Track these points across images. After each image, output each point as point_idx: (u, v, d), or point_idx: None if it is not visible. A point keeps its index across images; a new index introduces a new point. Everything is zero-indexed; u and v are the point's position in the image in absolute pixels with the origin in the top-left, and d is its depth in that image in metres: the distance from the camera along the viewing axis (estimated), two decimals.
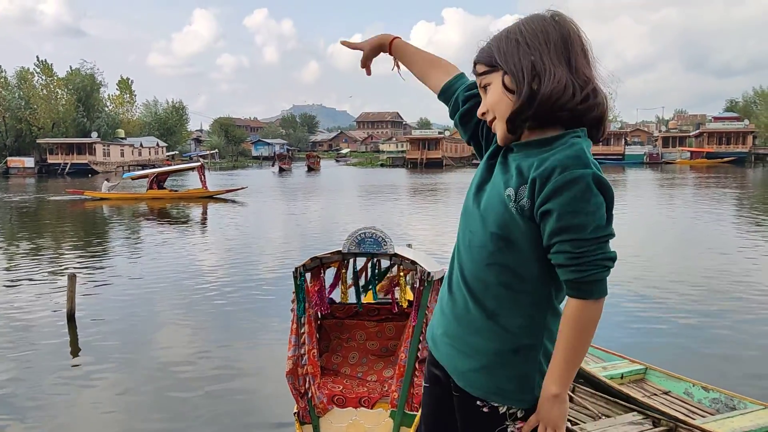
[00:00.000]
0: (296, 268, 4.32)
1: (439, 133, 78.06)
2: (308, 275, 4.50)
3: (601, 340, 6.45)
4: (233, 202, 27.83)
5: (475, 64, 1.58)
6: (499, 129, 1.53)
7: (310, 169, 59.74)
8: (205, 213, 24.49)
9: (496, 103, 1.51)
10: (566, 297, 1.46)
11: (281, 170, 58.11)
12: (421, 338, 4.11)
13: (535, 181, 1.42)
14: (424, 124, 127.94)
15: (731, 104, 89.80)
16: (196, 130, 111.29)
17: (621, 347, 6.48)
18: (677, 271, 11.44)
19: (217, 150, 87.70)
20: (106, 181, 31.46)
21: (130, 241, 16.91)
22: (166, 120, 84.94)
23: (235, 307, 9.16)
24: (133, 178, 32.23)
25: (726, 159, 63.88)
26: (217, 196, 29.61)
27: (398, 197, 30.88)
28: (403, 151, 78.87)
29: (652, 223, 19.31)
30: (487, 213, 1.52)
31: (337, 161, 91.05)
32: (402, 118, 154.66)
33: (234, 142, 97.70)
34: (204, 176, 29.64)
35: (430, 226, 18.97)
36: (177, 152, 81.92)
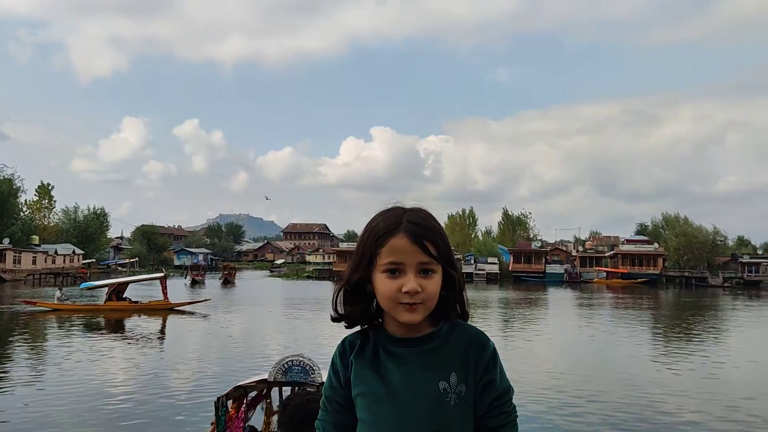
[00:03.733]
0: (218, 398, 4.05)
1: None
2: (229, 403, 4.22)
3: None
4: (196, 314, 27.11)
5: (423, 240, 1.55)
6: (421, 313, 1.55)
7: (226, 282, 57.68)
8: (163, 326, 23.67)
9: (434, 290, 1.55)
10: None
11: (194, 282, 56.02)
12: None
13: (467, 361, 1.55)
14: (351, 237, 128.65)
15: (641, 227, 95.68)
16: (117, 237, 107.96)
17: None
18: (594, 392, 11.54)
19: (137, 258, 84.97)
20: (58, 291, 30.03)
21: (52, 356, 15.72)
22: (86, 227, 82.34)
23: None
24: (89, 289, 30.92)
25: (639, 280, 67.03)
26: (179, 308, 28.62)
27: (324, 313, 30.35)
28: (330, 263, 78.81)
29: (574, 343, 19.63)
30: (419, 413, 1.53)
31: (272, 271, 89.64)
32: (329, 230, 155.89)
33: (156, 250, 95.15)
34: (166, 287, 28.81)
35: None
36: (94, 260, 78.89)
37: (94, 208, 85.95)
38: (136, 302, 28.69)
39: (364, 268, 1.60)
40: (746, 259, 75.91)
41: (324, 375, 4.34)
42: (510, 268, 73.88)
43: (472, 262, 75.45)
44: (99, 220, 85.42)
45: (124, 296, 28.63)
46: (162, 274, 32.64)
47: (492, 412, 1.55)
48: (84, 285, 33.34)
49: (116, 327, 22.79)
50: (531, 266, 72.42)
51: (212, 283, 57.58)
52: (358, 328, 1.67)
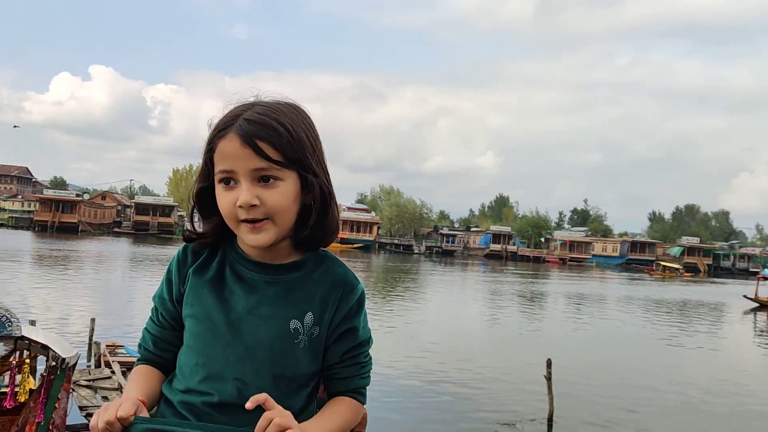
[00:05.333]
0: None
1: (77, 195, 71.34)
2: None
3: None
4: None
5: (256, 141, 1.23)
6: (270, 234, 1.27)
7: None
8: None
9: (278, 202, 1.25)
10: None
11: None
12: None
13: (328, 301, 1.33)
14: (59, 184, 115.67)
15: (362, 197, 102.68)
16: None
17: None
18: None
19: None
20: None
21: None
22: None
23: None
24: None
25: (356, 245, 72.10)
26: None
27: (20, 264, 26.99)
28: (30, 212, 69.87)
29: None
30: (259, 350, 1.29)
31: None
32: (32, 175, 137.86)
33: None
34: None
35: (57, 301, 16.96)
36: None
37: None
38: None
39: (204, 177, 1.33)
40: (445, 231, 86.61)
41: (24, 329, 3.87)
42: None
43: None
44: None
45: None
46: None
47: (347, 361, 1.36)
48: None
49: None
50: None
51: None
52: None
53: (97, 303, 17.25)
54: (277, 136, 1.24)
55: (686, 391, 11.44)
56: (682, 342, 17.92)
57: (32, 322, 8.48)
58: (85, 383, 7.22)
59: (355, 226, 77.22)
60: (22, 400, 4.12)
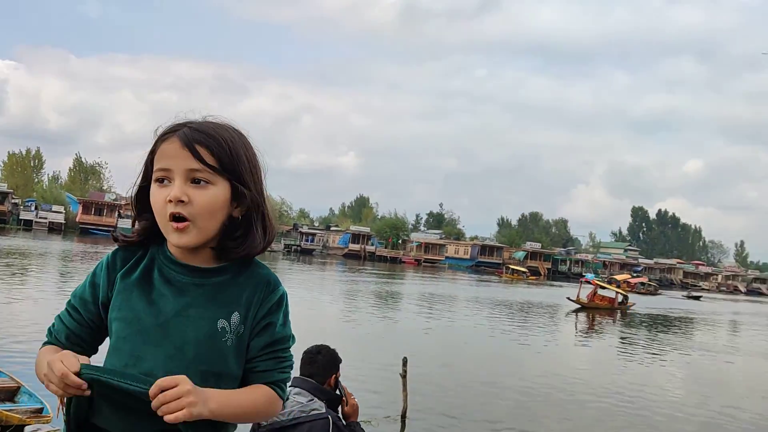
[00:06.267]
0: None
1: None
2: None
3: None
4: None
5: (195, 145, 1.33)
6: (193, 235, 1.34)
7: None
8: None
9: (206, 203, 1.33)
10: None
11: None
12: None
13: (252, 301, 1.41)
14: None
15: None
16: None
17: None
18: None
19: None
20: None
21: None
22: None
23: None
24: None
25: None
26: None
27: None
28: None
29: None
30: (188, 349, 1.35)
31: None
32: None
33: None
34: None
35: None
36: None
37: None
38: None
39: (143, 177, 1.41)
40: (305, 229, 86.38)
41: None
42: (78, 219, 68.59)
43: (33, 209, 67.56)
44: None
45: None
46: None
47: (265, 355, 1.43)
48: None
49: None
50: (102, 219, 68.45)
51: None
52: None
53: None
54: (216, 144, 1.34)
55: (525, 383, 12.32)
56: (522, 339, 19.24)
57: None
58: None
59: None
60: None
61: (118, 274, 1.42)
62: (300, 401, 3.05)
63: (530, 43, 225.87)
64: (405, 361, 8.86)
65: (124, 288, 1.40)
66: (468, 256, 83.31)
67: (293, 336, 1.49)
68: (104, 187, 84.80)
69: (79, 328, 1.43)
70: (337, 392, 3.27)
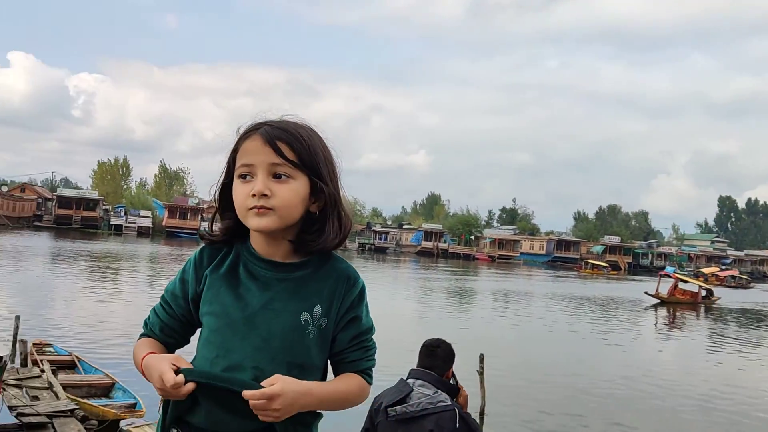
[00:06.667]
0: None
1: None
2: None
3: None
4: None
5: (276, 141, 1.42)
6: (272, 221, 1.42)
7: None
8: None
9: (287, 197, 1.41)
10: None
11: None
12: None
13: (334, 295, 1.48)
14: None
15: None
16: None
17: None
18: None
19: None
20: None
21: None
22: None
23: None
24: None
25: None
26: None
27: None
28: None
29: None
30: (274, 341, 1.44)
31: None
32: None
33: None
34: None
35: None
36: None
37: None
38: None
39: (226, 175, 1.50)
40: (378, 228, 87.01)
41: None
42: (164, 223, 71.68)
43: (123, 214, 71.10)
44: None
45: None
46: None
47: (353, 346, 1.51)
48: None
49: None
50: (186, 222, 71.26)
51: None
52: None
53: (19, 300, 16.55)
54: (295, 140, 1.43)
55: (604, 381, 12.08)
56: (600, 336, 18.87)
57: None
58: (13, 382, 7.01)
59: None
60: None
61: (207, 270, 1.50)
62: (426, 393, 3.13)
63: (603, 30, 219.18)
64: (482, 358, 8.92)
65: (213, 283, 1.48)
66: (543, 252, 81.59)
67: (374, 327, 1.58)
68: (187, 192, 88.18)
69: (171, 321, 1.54)
70: (452, 383, 3.38)
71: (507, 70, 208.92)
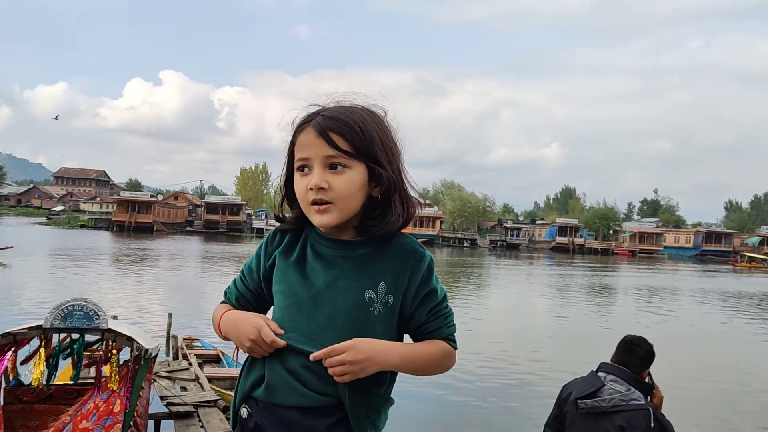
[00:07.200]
0: None
1: (152, 196, 74.18)
2: None
3: None
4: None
5: (329, 133, 1.41)
6: (334, 215, 1.43)
7: None
8: None
9: (344, 188, 1.41)
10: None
11: None
12: (132, 422, 3.72)
13: (402, 272, 1.47)
14: (135, 186, 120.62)
15: (424, 192, 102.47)
16: None
17: None
18: None
19: None
20: None
21: None
22: None
23: None
24: None
25: (420, 240, 71.98)
26: None
27: (101, 263, 28.31)
28: (109, 213, 73.07)
29: None
30: (338, 319, 1.44)
31: (49, 218, 79.64)
32: (109, 177, 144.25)
33: None
34: None
35: (135, 297, 17.70)
36: None
37: None
38: None
39: (288, 168, 1.51)
40: (510, 224, 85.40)
41: (109, 322, 4.09)
42: None
43: (264, 217, 75.16)
44: None
45: None
46: None
47: (432, 317, 1.50)
48: None
49: None
50: None
51: None
52: None
53: (172, 299, 17.91)
54: (348, 130, 1.40)
55: None
56: (764, 335, 17.14)
57: (114, 317, 8.93)
58: (164, 374, 7.53)
59: (418, 221, 77.21)
60: (114, 388, 4.35)
61: (277, 250, 1.55)
62: (619, 389, 3.06)
63: (752, 4, 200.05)
64: None
65: (282, 264, 1.52)
66: (690, 245, 76.03)
67: (446, 294, 1.55)
68: None
69: (246, 293, 1.60)
70: (647, 381, 3.27)
71: (644, 54, 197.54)
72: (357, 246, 1.48)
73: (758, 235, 76.42)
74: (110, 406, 4.42)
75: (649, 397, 3.17)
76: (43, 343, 4.02)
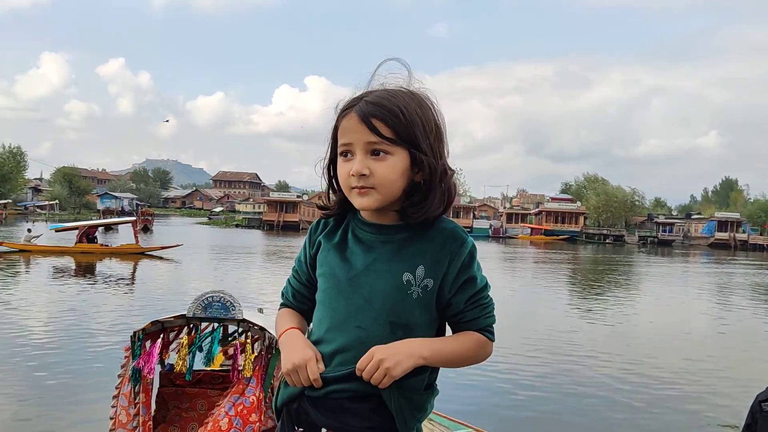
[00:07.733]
0: (135, 332, 4.02)
1: (298, 196, 78.14)
2: (148, 341, 4.19)
3: (446, 407, 6.56)
4: (166, 259, 26.16)
5: (371, 119, 1.41)
6: (374, 199, 1.45)
7: (145, 228, 53.38)
8: (134, 270, 22.42)
9: (385, 174, 1.42)
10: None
11: (145, 228, 52.32)
12: (269, 411, 3.92)
13: (441, 256, 1.47)
14: (283, 187, 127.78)
15: (566, 187, 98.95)
16: (35, 179, 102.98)
17: (465, 415, 6.62)
18: (521, 342, 12.07)
19: (57, 201, 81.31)
20: (27, 231, 28.80)
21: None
22: (1, 165, 78.04)
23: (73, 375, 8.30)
24: (58, 230, 30.47)
25: (561, 237, 69.63)
26: (150, 252, 28.11)
27: (253, 258, 30.21)
28: (260, 213, 77.89)
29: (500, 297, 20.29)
30: (376, 301, 1.47)
31: (210, 218, 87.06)
32: (260, 180, 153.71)
33: (78, 193, 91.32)
34: (137, 232, 28.80)
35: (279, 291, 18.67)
36: (10, 201, 75.01)
37: (9, 147, 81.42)
38: (107, 245, 28.54)
39: (331, 153, 1.54)
40: (661, 219, 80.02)
41: (245, 313, 4.36)
42: None
43: None
44: (15, 159, 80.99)
45: (93, 238, 28.10)
46: (133, 218, 33.10)
47: (470, 306, 1.50)
48: (53, 226, 33.45)
49: (87, 269, 21.90)
50: (459, 221, 73.84)
51: (127, 229, 55.17)
52: None
53: None
54: (391, 115, 1.40)
55: None
56: None
57: (260, 310, 9.46)
58: None
59: (560, 216, 74.65)
60: (248, 375, 4.62)
61: (320, 236, 1.58)
62: None
63: None
64: None
65: (325, 248, 1.56)
66: None
67: (488, 283, 1.54)
68: (460, 192, 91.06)
69: (300, 287, 1.64)
70: None
71: None
72: (396, 231, 1.50)
73: None
74: (246, 396, 4.70)
75: None
76: (186, 331, 4.37)
